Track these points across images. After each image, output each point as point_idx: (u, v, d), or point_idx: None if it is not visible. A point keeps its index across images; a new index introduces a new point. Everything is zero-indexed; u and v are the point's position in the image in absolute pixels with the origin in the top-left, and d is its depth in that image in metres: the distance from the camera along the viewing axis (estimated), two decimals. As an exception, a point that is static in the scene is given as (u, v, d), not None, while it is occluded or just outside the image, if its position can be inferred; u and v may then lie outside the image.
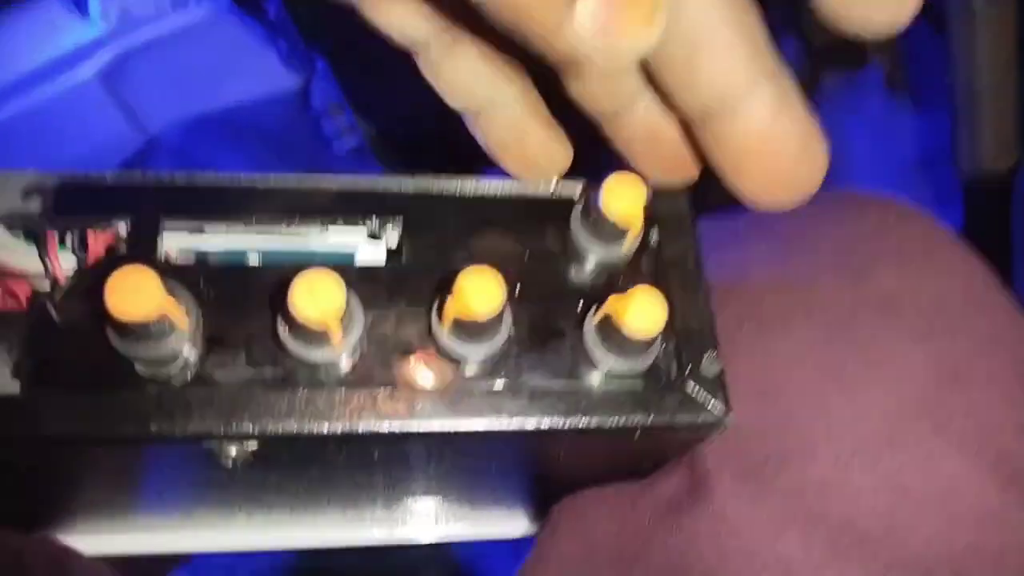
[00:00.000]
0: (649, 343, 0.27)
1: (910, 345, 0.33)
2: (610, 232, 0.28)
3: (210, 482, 0.31)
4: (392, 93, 0.79)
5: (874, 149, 1.11)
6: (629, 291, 0.26)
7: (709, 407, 0.28)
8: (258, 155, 1.03)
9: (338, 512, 0.40)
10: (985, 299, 0.35)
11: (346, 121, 0.83)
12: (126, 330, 0.24)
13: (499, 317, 0.26)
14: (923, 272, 0.35)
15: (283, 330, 0.26)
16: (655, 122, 0.29)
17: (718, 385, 0.29)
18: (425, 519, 0.44)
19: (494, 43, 0.29)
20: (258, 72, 1.01)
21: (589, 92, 0.29)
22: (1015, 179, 0.59)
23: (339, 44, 0.78)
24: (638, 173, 0.28)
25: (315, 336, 0.25)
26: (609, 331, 0.27)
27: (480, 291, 0.25)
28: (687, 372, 0.29)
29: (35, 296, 0.28)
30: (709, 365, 0.29)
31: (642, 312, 0.26)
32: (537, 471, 0.35)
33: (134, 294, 0.23)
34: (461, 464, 0.33)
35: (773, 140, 0.26)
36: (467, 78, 0.30)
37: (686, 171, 0.30)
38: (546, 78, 0.29)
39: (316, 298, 0.24)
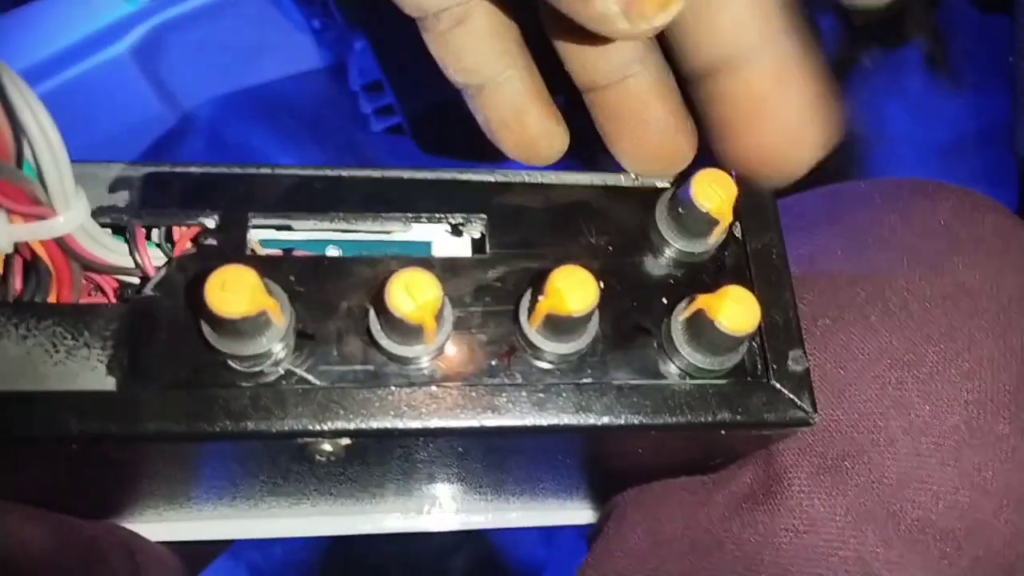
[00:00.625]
0: (738, 341, 0.27)
1: (990, 340, 0.32)
2: (698, 225, 0.28)
3: (291, 475, 0.31)
4: (433, 73, 0.78)
5: (915, 130, 1.09)
6: (721, 290, 0.26)
7: (796, 405, 0.28)
8: (293, 133, 1.02)
9: (401, 500, 0.41)
10: None
11: (385, 100, 0.83)
12: (223, 327, 0.24)
13: (588, 316, 0.26)
14: (1002, 266, 0.34)
15: (376, 326, 0.26)
16: (644, 98, 0.29)
17: (804, 383, 0.29)
18: (485, 507, 0.44)
19: (503, 19, 0.29)
20: (293, 49, 1.00)
21: (585, 61, 0.28)
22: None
23: (380, 22, 0.77)
24: (615, 155, 0.28)
25: (409, 332, 0.25)
26: (698, 328, 0.27)
27: (575, 291, 0.25)
28: (773, 370, 0.28)
29: (123, 290, 0.28)
30: (795, 363, 0.29)
31: (735, 311, 0.26)
32: (609, 465, 0.35)
33: (235, 292, 0.23)
34: (538, 458, 0.33)
35: (773, 103, 0.25)
36: (475, 52, 0.29)
37: (668, 159, 0.30)
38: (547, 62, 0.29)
39: (413, 294, 0.24)
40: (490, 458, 0.32)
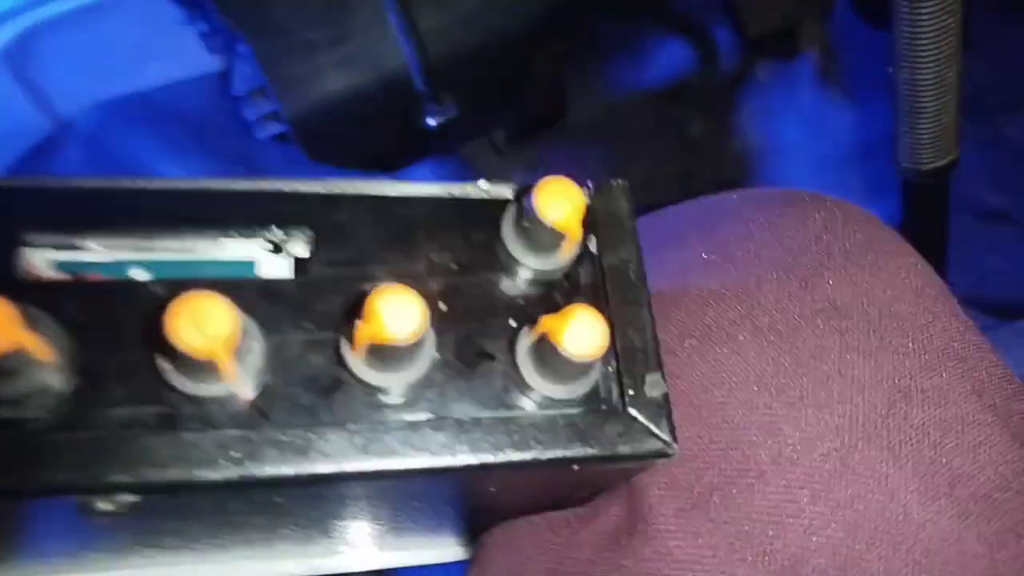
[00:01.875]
0: (588, 366, 0.24)
1: (860, 360, 0.31)
2: (545, 240, 0.25)
3: (87, 532, 0.27)
4: (317, 79, 0.75)
5: (807, 141, 1.11)
6: (564, 309, 0.23)
7: (654, 435, 0.26)
8: (180, 141, 0.97)
9: (247, 548, 0.37)
10: (934, 310, 0.33)
11: (268, 107, 0.78)
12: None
13: (419, 342, 0.23)
14: (872, 280, 0.33)
15: (163, 363, 0.22)
16: None
17: (663, 410, 0.26)
18: (350, 549, 0.41)
19: None
20: (180, 53, 0.95)
21: None
22: (951, 177, 0.58)
23: (262, 26, 0.73)
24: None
25: (202, 369, 0.22)
26: (544, 354, 0.24)
27: (396, 313, 0.22)
28: (629, 396, 0.26)
29: None
30: (652, 388, 0.26)
31: (580, 333, 0.23)
32: (466, 503, 0.32)
33: (-23, 326, 0.19)
34: (383, 500, 0.29)
35: None
36: None
37: None
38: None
39: (200, 325, 0.20)
40: (328, 504, 0.29)
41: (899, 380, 0.30)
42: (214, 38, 0.90)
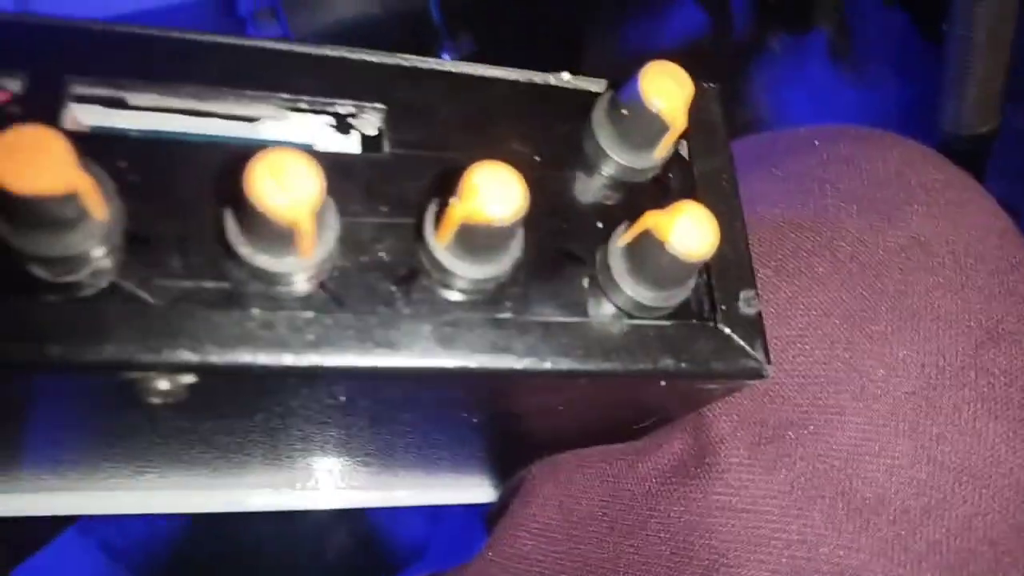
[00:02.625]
0: (688, 271, 0.22)
1: (947, 298, 0.29)
2: (645, 131, 0.23)
3: (126, 429, 0.25)
4: (331, 4, 0.72)
5: (814, 116, 1.09)
6: (673, 205, 0.21)
7: (748, 354, 0.24)
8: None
9: (269, 472, 0.34)
10: (1018, 255, 0.31)
11: (276, 30, 0.75)
12: (22, 213, 0.17)
13: (513, 229, 0.21)
14: (956, 218, 0.31)
15: (234, 229, 0.20)
16: None
17: (757, 328, 0.24)
18: (368, 482, 0.39)
19: None
20: None
21: None
22: (992, 144, 0.57)
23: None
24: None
25: (279, 237, 0.19)
26: (642, 255, 0.22)
27: (497, 191, 0.19)
28: (722, 312, 0.24)
29: None
30: (746, 305, 0.24)
31: (690, 231, 0.21)
32: (519, 427, 0.30)
33: (31, 160, 0.16)
34: (437, 416, 0.27)
35: None
36: None
37: None
38: None
39: (284, 184, 0.18)
40: (378, 415, 0.26)
41: (986, 321, 0.29)
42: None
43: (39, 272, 0.19)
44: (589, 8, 0.93)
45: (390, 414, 0.26)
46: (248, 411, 0.24)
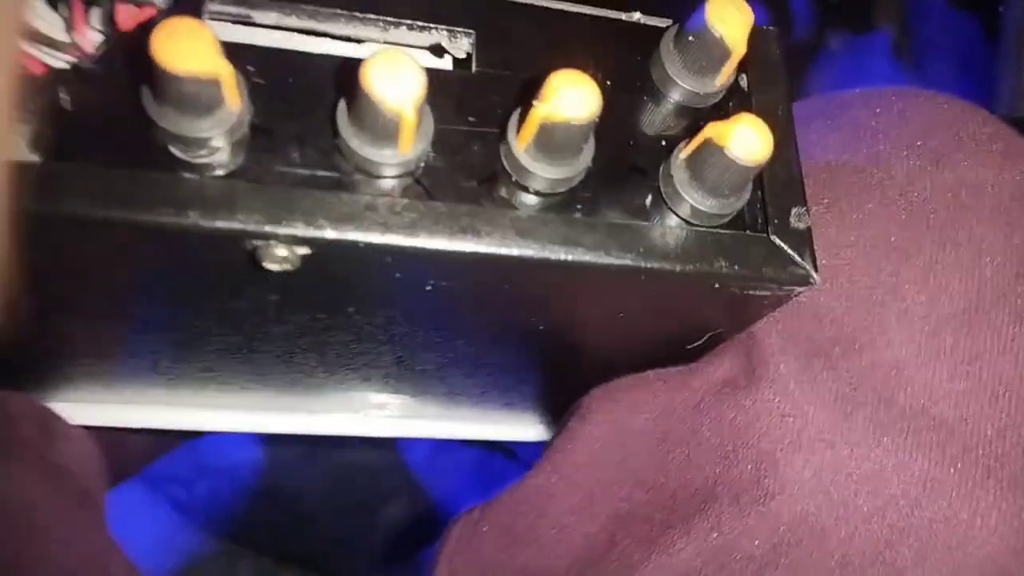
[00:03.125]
0: (743, 178, 0.24)
1: (991, 233, 0.31)
2: (709, 57, 0.26)
3: (232, 317, 0.28)
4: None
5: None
6: (733, 116, 0.24)
7: (797, 263, 0.26)
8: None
9: (342, 396, 0.38)
10: None
11: None
12: (169, 91, 0.21)
13: (586, 133, 0.23)
14: (1002, 166, 0.33)
15: (345, 120, 0.23)
16: None
17: (806, 241, 0.26)
18: (431, 411, 0.42)
19: None
20: None
21: None
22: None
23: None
24: None
25: (385, 128, 0.22)
26: (703, 163, 0.24)
27: (577, 93, 0.22)
28: (774, 224, 0.26)
29: (56, 68, 0.24)
30: (797, 220, 0.27)
31: (749, 137, 0.23)
32: (580, 346, 0.33)
33: (184, 44, 0.20)
34: (504, 322, 0.30)
35: None
36: None
37: None
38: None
39: (395, 77, 0.21)
40: (453, 320, 0.29)
41: None
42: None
43: (178, 151, 0.22)
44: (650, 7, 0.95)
45: (463, 320, 0.29)
46: (344, 302, 0.27)
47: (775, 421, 0.29)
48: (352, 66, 0.23)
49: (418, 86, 0.21)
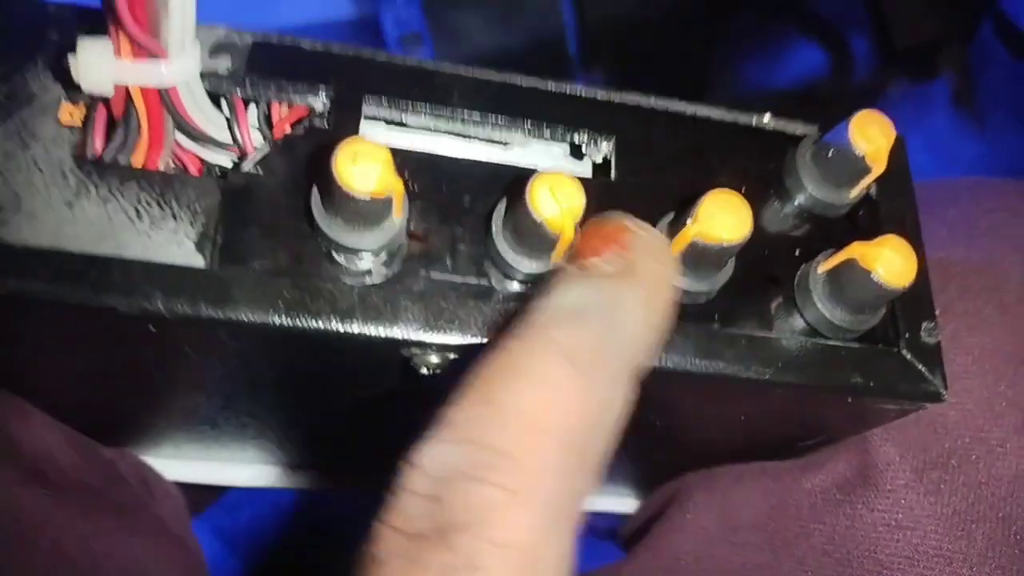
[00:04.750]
0: (884, 299, 0.25)
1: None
2: (846, 172, 0.26)
3: (376, 404, 0.28)
4: (476, 32, 0.76)
5: (933, 166, 1.09)
6: (880, 239, 0.24)
7: (927, 379, 0.26)
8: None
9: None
10: None
11: (423, 53, 0.80)
12: (343, 208, 0.21)
13: (735, 249, 0.24)
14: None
15: (501, 235, 0.23)
16: None
17: (936, 356, 0.26)
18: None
19: None
20: None
21: None
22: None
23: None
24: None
25: (542, 242, 0.22)
26: (843, 280, 0.24)
27: (731, 216, 0.22)
28: (905, 339, 0.26)
29: (209, 170, 0.25)
30: (928, 335, 0.27)
31: (895, 262, 0.23)
32: (683, 436, 0.33)
33: (367, 167, 0.20)
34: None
35: None
36: None
37: None
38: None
39: (558, 197, 0.21)
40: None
41: None
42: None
43: (340, 258, 0.23)
44: (713, 43, 0.95)
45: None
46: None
47: (892, 533, 0.29)
48: (502, 174, 0.24)
49: (580, 206, 0.22)
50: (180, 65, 0.21)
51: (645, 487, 0.41)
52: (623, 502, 0.44)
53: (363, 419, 0.31)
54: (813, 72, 1.07)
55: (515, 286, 0.24)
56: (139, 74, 0.21)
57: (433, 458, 0.16)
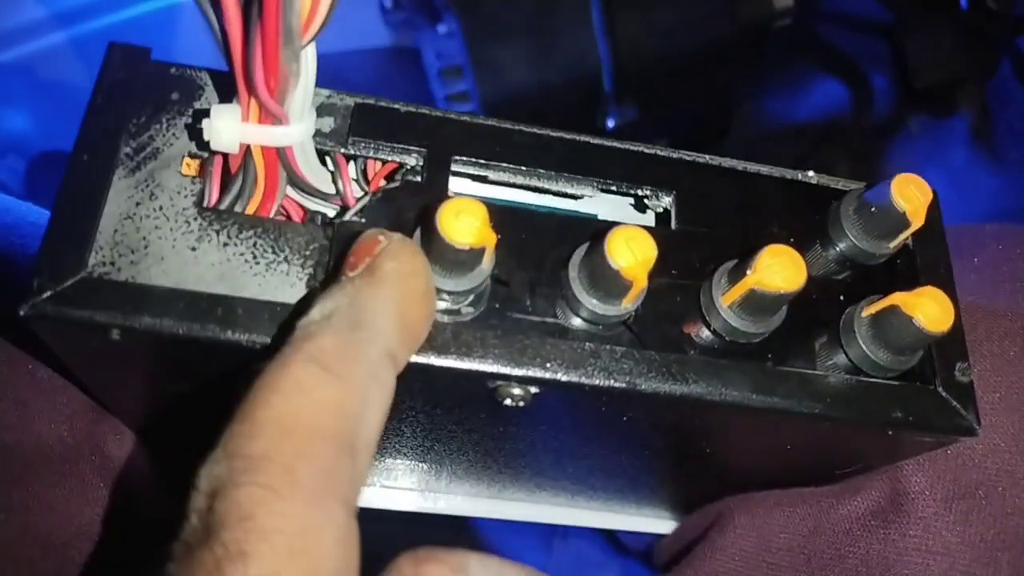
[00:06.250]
0: (924, 343, 0.27)
1: None
2: (887, 227, 0.28)
3: (469, 434, 0.31)
4: (516, 66, 0.78)
5: (952, 202, 1.11)
6: (920, 289, 0.26)
7: (962, 415, 0.28)
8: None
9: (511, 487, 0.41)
10: None
11: (462, 86, 0.82)
12: (443, 257, 0.24)
13: (790, 297, 0.26)
14: None
15: (578, 279, 0.26)
16: None
17: (970, 394, 0.29)
18: (566, 500, 0.44)
19: None
20: (357, 24, 0.97)
21: None
22: None
23: (476, 6, 0.77)
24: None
25: (617, 289, 0.25)
26: (886, 325, 0.27)
27: (788, 269, 0.25)
28: (941, 378, 0.29)
29: (311, 217, 0.28)
30: (961, 374, 0.29)
31: (934, 310, 0.26)
32: (727, 462, 0.35)
33: (468, 221, 0.23)
34: (669, 445, 0.32)
35: None
36: None
37: None
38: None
39: (634, 249, 0.24)
40: (626, 441, 0.32)
41: None
42: (395, 15, 0.93)
43: (437, 300, 0.25)
44: (737, 81, 0.98)
45: (638, 440, 0.32)
46: (553, 427, 0.30)
47: (923, 557, 0.31)
48: (575, 224, 0.27)
49: (652, 257, 0.24)
50: (299, 128, 0.24)
51: (683, 509, 0.44)
52: (659, 523, 0.46)
53: (446, 447, 0.33)
54: (835, 107, 1.10)
55: (588, 327, 0.26)
56: (264, 136, 0.24)
57: (203, 477, 0.18)
